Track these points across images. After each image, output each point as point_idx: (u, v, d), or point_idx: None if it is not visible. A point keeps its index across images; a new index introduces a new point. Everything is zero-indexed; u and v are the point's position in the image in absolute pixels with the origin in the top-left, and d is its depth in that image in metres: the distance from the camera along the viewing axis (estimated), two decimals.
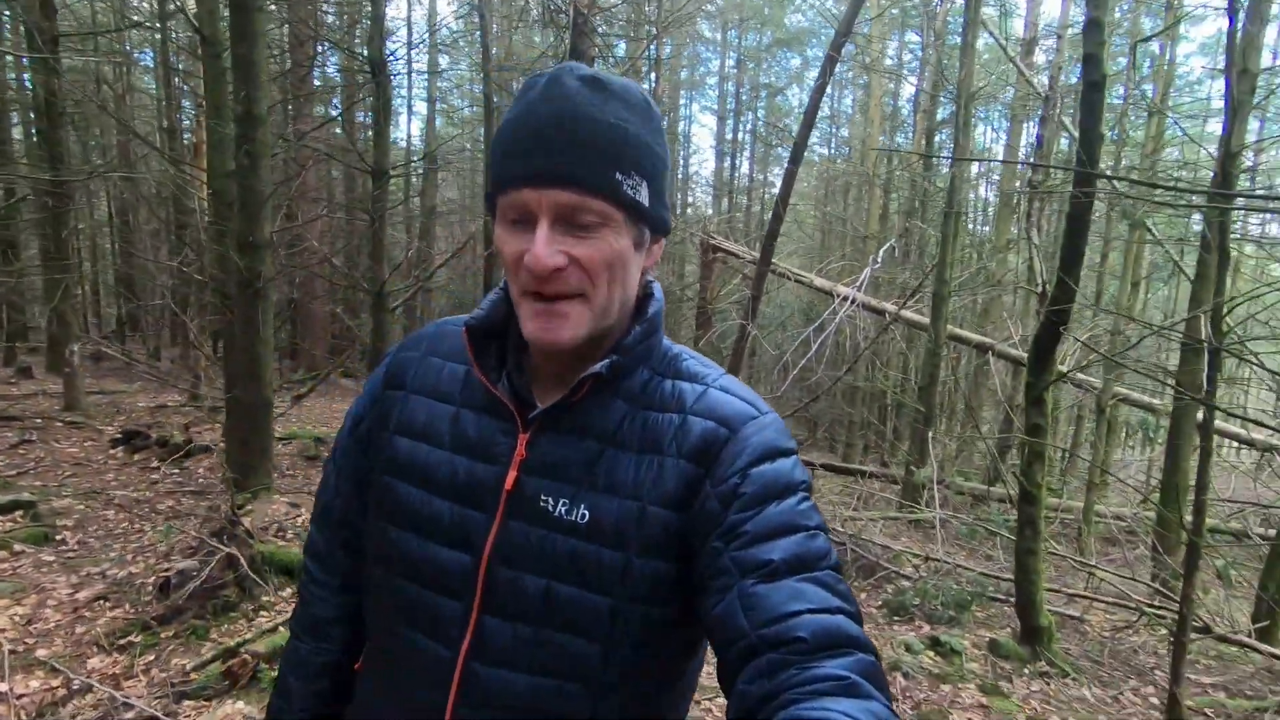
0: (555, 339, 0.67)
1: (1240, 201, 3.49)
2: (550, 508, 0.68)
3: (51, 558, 3.73)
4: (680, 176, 21.13)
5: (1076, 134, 5.01)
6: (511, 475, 0.70)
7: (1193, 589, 2.84)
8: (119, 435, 6.23)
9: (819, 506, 0.69)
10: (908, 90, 18.33)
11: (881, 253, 9.59)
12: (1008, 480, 7.48)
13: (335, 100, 12.63)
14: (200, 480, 5.48)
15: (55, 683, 2.59)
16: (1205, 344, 2.52)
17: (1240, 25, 5.75)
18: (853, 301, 8.19)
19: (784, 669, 0.57)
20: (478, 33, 10.54)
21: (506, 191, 0.65)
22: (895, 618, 4.36)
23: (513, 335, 0.76)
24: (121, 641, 2.85)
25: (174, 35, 10.32)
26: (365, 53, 6.29)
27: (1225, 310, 2.62)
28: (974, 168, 18.98)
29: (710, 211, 21.97)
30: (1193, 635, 3.94)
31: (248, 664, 2.56)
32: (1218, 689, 3.90)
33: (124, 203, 13.29)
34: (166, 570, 3.46)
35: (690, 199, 22.81)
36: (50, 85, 6.60)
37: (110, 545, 3.98)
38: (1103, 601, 4.78)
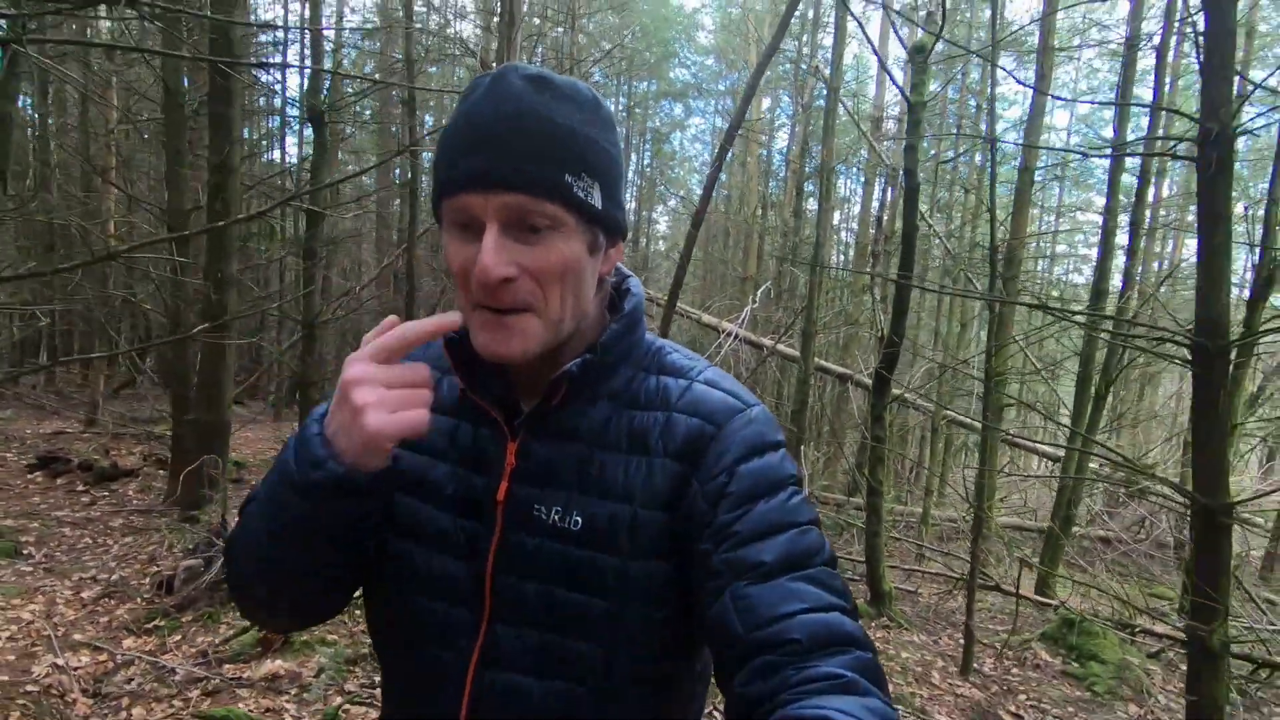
0: (506, 352, 0.65)
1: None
2: (544, 515, 0.68)
3: (29, 569, 4.00)
4: None
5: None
6: (503, 485, 0.70)
7: (978, 547, 4.04)
8: (35, 460, 6.22)
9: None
10: (780, 141, 20.48)
11: (759, 293, 10.99)
12: (863, 488, 8.88)
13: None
14: (135, 501, 5.68)
15: (101, 658, 3.04)
16: (981, 379, 3.73)
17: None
18: (735, 336, 9.44)
19: (780, 670, 0.57)
20: (398, 62, 11.10)
21: (452, 196, 0.63)
22: None
23: None
24: (148, 626, 3.31)
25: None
26: (300, 103, 6.78)
27: (993, 353, 3.87)
28: (836, 217, 21.47)
29: None
30: (985, 588, 5.26)
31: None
32: (1006, 632, 5.23)
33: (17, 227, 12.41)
34: (156, 571, 3.89)
35: None
36: None
37: (80, 557, 4.27)
38: (929, 574, 6.10)
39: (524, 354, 0.65)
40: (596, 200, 0.65)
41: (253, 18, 8.18)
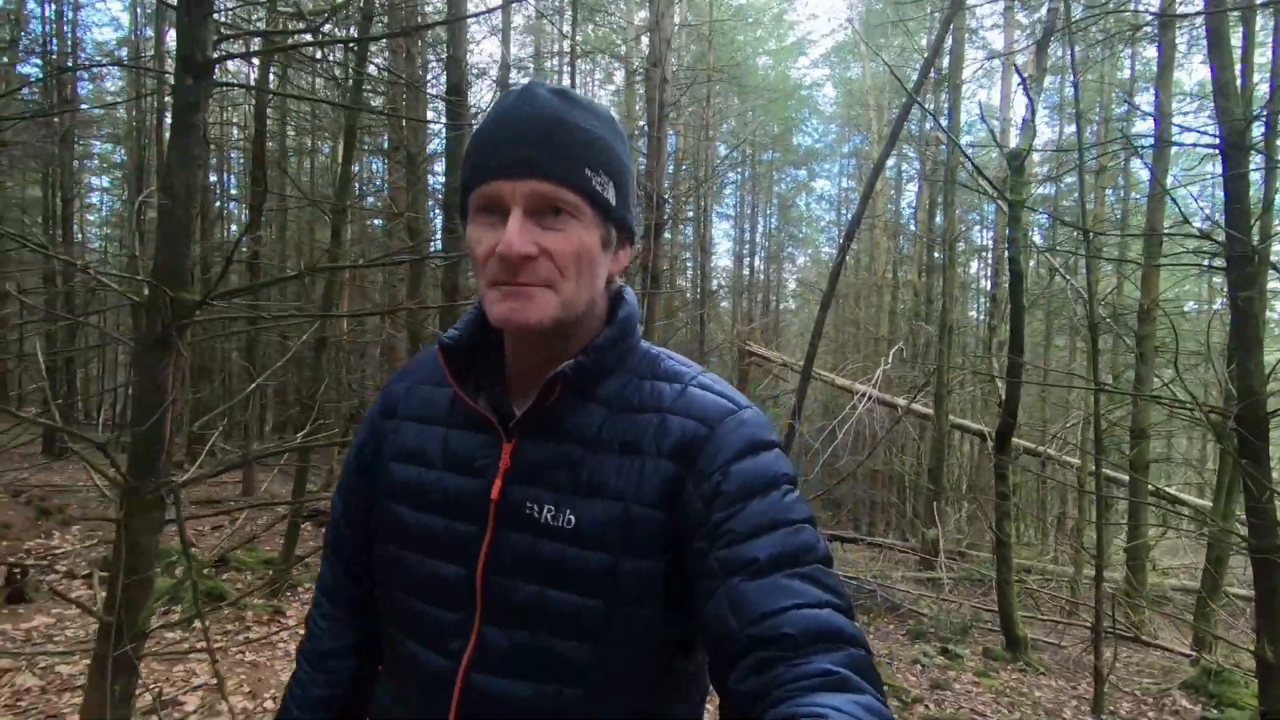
0: (523, 319, 0.68)
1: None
2: (537, 514, 0.71)
3: None
4: (700, 274, 23.34)
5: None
6: (497, 485, 0.72)
7: (1101, 594, 4.47)
8: (309, 513, 8.01)
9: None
10: (909, 195, 20.76)
11: (891, 354, 11.48)
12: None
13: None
14: None
15: None
16: (1082, 447, 4.28)
17: None
18: (869, 397, 10.00)
19: (774, 666, 0.59)
20: None
21: (480, 185, 0.69)
22: (916, 639, 5.93)
23: (492, 349, 0.79)
24: None
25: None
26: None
27: (1099, 416, 4.38)
28: (974, 266, 21.26)
29: (727, 304, 24.19)
30: (1123, 638, 5.49)
31: None
32: (1150, 683, 5.41)
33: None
34: None
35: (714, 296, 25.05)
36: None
37: None
38: (1074, 625, 6.33)
39: (539, 323, 0.68)
40: (611, 197, 0.71)
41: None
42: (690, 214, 15.73)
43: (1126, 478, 9.80)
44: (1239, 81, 3.29)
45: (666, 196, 7.63)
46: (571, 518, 0.70)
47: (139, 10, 13.74)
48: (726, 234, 26.27)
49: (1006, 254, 4.99)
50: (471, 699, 0.72)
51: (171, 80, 2.36)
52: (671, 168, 13.97)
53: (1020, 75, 4.27)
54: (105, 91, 15.97)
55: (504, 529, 0.72)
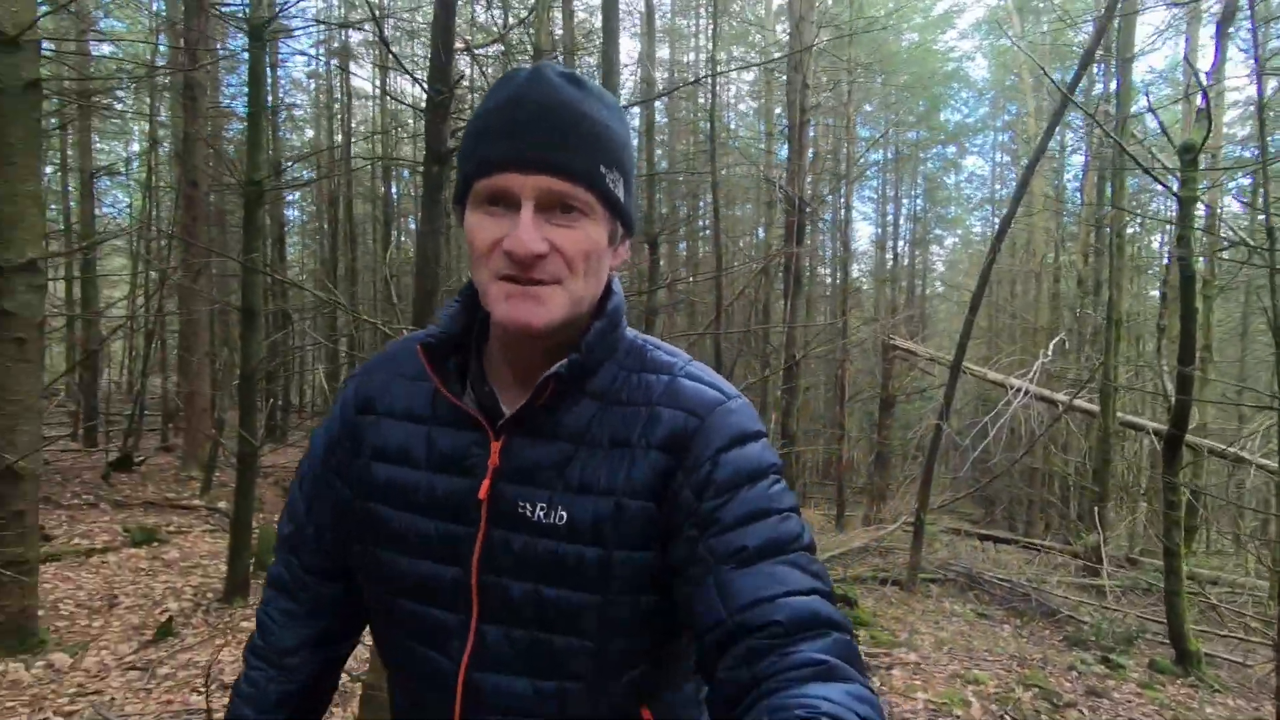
0: (529, 321, 0.67)
1: None
2: (529, 512, 0.70)
3: None
4: (842, 272, 22.77)
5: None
6: (486, 484, 0.71)
7: None
8: None
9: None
10: (1074, 166, 19.08)
11: (1051, 346, 10.87)
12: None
13: None
14: None
15: None
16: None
17: None
18: (1025, 393, 9.58)
19: (763, 656, 0.60)
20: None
21: (487, 174, 0.66)
22: (1074, 646, 5.83)
23: (475, 345, 0.77)
24: None
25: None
26: None
27: None
28: (1156, 241, 19.21)
29: (867, 288, 23.31)
30: None
31: None
32: None
33: None
34: None
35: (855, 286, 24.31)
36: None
37: None
38: (1259, 643, 5.92)
39: (549, 324, 0.68)
40: (621, 193, 0.70)
41: None
42: (828, 203, 15.52)
43: None
44: None
45: (808, 199, 7.81)
46: (563, 514, 0.70)
47: (324, 51, 15.69)
48: (866, 218, 25.25)
49: (1177, 255, 4.77)
50: (474, 698, 0.73)
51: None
52: (811, 154, 13.91)
53: (1198, 79, 4.07)
54: (294, 120, 18.23)
55: (496, 528, 0.72)
